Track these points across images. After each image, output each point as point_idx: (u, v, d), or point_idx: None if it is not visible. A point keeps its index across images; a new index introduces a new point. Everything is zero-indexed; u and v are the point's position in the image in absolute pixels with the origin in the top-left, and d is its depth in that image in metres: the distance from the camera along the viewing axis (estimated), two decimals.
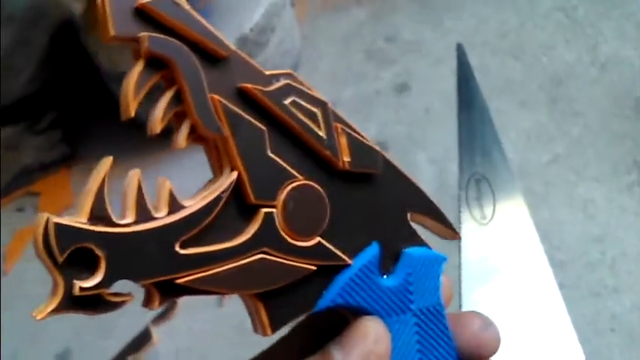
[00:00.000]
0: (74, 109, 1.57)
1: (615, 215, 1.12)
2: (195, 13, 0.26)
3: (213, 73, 0.27)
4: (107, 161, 0.26)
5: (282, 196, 0.27)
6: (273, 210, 0.27)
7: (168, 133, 0.27)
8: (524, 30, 1.44)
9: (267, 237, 0.26)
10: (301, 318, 0.28)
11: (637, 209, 1.12)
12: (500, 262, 0.75)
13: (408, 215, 0.30)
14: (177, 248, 0.25)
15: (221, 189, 0.26)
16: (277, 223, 0.27)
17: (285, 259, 0.26)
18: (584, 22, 1.42)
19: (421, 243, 0.31)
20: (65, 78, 1.54)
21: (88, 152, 1.53)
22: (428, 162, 1.24)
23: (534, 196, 1.16)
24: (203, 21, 0.27)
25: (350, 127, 0.29)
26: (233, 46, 0.28)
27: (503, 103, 1.30)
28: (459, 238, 0.33)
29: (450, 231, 0.32)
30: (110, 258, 0.24)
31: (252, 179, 0.27)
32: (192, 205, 0.26)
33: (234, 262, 0.26)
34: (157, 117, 0.27)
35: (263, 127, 0.27)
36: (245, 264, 0.26)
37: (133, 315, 1.20)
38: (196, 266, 0.25)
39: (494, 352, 0.31)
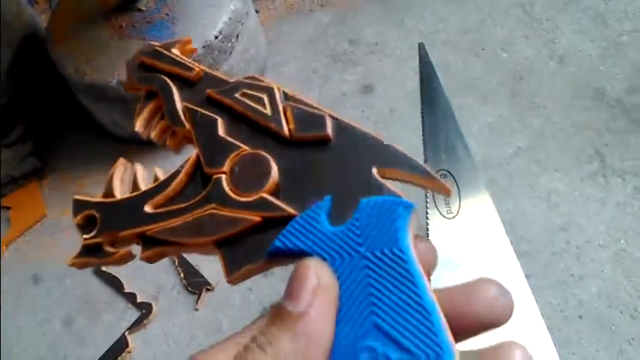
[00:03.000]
0: (43, 122, 1.56)
1: (578, 204, 1.14)
2: (175, 54, 0.39)
3: (189, 90, 0.38)
4: (120, 162, 0.38)
5: (229, 163, 0.34)
6: (222, 175, 0.34)
7: (139, 143, 0.35)
8: (484, 27, 1.47)
9: (214, 196, 0.33)
10: (256, 266, 0.32)
11: (600, 197, 1.14)
12: (467, 255, 0.76)
13: (374, 170, 0.32)
14: (146, 209, 0.34)
15: (181, 165, 0.35)
16: (224, 185, 0.33)
17: (230, 212, 0.32)
18: (542, 17, 1.45)
19: (390, 194, 0.31)
20: (33, 90, 1.53)
21: (59, 164, 1.52)
22: None
23: (499, 189, 1.18)
24: (179, 58, 0.39)
25: (301, 102, 0.35)
26: (200, 68, 0.38)
27: (466, 100, 1.32)
28: (448, 191, 0.32)
29: (430, 180, 0.32)
30: (102, 218, 0.35)
31: (205, 155, 0.35)
32: (161, 179, 0.36)
33: (188, 217, 0.33)
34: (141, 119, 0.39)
35: (216, 117, 0.36)
36: (196, 217, 0.33)
37: (108, 324, 1.20)
38: (158, 221, 0.34)
39: (508, 320, 0.30)
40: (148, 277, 1.24)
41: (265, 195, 0.32)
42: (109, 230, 0.35)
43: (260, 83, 0.36)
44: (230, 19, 1.34)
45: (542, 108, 1.29)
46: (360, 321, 0.28)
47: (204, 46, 1.29)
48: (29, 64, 1.51)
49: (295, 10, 1.66)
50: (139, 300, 1.21)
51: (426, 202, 0.80)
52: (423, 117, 0.82)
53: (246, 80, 0.36)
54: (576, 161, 1.19)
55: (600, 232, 1.10)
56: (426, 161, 0.80)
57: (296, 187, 0.32)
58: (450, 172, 0.79)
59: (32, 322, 1.25)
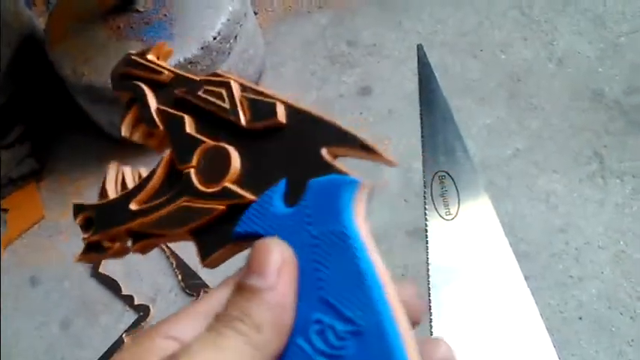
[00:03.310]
0: (41, 123, 1.56)
1: (577, 205, 1.14)
2: (148, 60, 0.42)
3: (162, 92, 0.40)
4: (112, 166, 0.42)
5: (197, 158, 0.36)
6: (191, 170, 0.36)
7: (136, 144, 0.42)
8: (482, 29, 1.47)
9: (185, 190, 0.36)
10: (227, 249, 0.34)
11: (598, 199, 1.14)
12: (466, 257, 0.76)
13: (323, 151, 0.33)
14: (131, 206, 0.38)
15: (157, 164, 0.39)
16: (193, 179, 0.36)
17: (199, 203, 0.35)
18: (540, 18, 1.45)
19: (338, 173, 0.33)
20: (31, 92, 1.52)
21: (56, 166, 1.52)
22: None
23: (497, 190, 1.18)
24: (150, 63, 0.42)
25: (256, 92, 0.37)
26: (171, 70, 0.41)
27: (464, 101, 1.32)
28: (389, 161, 0.33)
29: (374, 153, 0.33)
30: (96, 218, 0.39)
31: (176, 152, 0.38)
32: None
33: (166, 210, 0.36)
34: (125, 124, 0.42)
35: (182, 115, 0.38)
36: (171, 210, 0.36)
37: (106, 327, 1.20)
38: (141, 216, 0.37)
39: (420, 321, 0.32)
40: (145, 279, 1.24)
41: (228, 184, 0.35)
42: (103, 229, 0.39)
43: (220, 78, 0.38)
44: (228, 20, 1.33)
45: (540, 109, 1.29)
46: (310, 296, 0.29)
47: (202, 48, 1.29)
48: (27, 65, 1.50)
49: (293, 12, 1.66)
50: (136, 302, 1.21)
51: (425, 204, 0.80)
52: (421, 118, 0.82)
53: (207, 77, 0.39)
54: (575, 163, 1.20)
55: (599, 234, 1.10)
56: (424, 162, 0.80)
57: (256, 174, 0.35)
58: (448, 174, 0.79)
59: (30, 324, 1.25)
